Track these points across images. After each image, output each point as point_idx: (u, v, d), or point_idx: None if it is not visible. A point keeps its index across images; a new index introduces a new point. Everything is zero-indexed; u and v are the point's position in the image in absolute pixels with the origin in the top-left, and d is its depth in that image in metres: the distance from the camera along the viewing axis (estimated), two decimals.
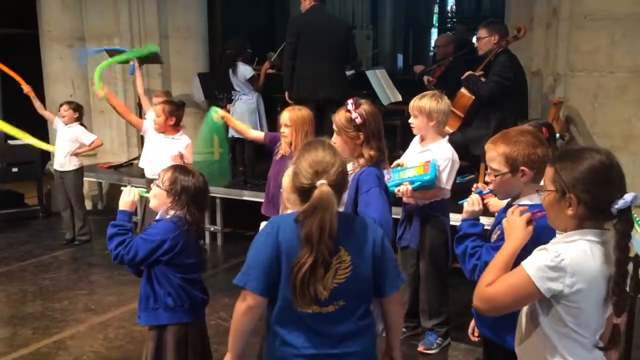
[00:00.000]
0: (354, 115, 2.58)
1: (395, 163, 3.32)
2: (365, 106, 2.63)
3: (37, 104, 5.73)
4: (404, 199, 3.33)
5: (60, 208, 5.78)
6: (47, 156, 6.47)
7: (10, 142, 6.87)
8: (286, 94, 5.26)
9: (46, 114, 5.82)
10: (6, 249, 5.60)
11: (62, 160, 5.52)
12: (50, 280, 4.81)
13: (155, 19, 6.78)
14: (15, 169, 6.56)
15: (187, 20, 6.79)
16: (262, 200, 4.55)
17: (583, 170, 1.56)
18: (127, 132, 7.01)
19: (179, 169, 2.51)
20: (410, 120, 3.32)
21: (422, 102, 3.23)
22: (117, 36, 6.81)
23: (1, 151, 6.44)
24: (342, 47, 5.12)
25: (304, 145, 1.88)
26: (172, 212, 2.41)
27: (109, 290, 4.55)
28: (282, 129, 3.37)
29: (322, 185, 1.71)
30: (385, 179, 2.78)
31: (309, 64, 5.04)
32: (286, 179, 2.09)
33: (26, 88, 5.61)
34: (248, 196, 5.37)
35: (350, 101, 2.63)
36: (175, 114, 4.49)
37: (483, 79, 4.30)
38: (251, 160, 5.76)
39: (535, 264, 1.54)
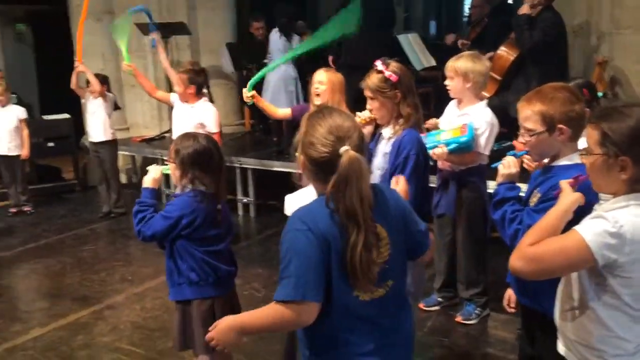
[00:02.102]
0: (387, 73, 2.51)
1: (428, 122, 3.21)
2: (394, 64, 2.57)
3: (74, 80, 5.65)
4: (439, 165, 3.22)
5: (97, 182, 5.85)
6: (82, 130, 6.54)
7: (46, 117, 6.98)
8: (330, 58, 5.14)
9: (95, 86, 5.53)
10: (45, 223, 5.72)
11: (96, 132, 5.56)
12: (88, 252, 4.89)
13: None
14: (51, 144, 6.65)
15: None
16: (297, 170, 4.52)
17: (636, 128, 1.44)
18: (158, 106, 7.01)
19: (182, 137, 2.44)
20: (446, 82, 3.19)
21: (459, 63, 3.10)
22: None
23: (37, 126, 6.53)
24: (387, 12, 4.98)
25: (312, 113, 1.64)
26: (189, 186, 2.36)
27: (144, 262, 4.60)
28: (316, 86, 3.24)
29: (348, 151, 1.49)
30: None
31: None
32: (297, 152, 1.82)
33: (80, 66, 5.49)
34: (279, 167, 5.32)
35: (378, 62, 2.56)
36: (195, 82, 4.38)
37: None
38: (285, 130, 5.69)
39: (594, 230, 1.44)
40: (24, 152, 5.85)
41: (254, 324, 1.61)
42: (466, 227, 3.29)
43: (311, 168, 1.57)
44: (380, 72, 2.53)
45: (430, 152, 2.99)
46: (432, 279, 3.63)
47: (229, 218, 2.53)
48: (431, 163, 2.90)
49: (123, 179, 6.73)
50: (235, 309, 2.51)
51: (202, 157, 2.32)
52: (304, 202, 1.73)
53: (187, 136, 2.42)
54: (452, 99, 3.31)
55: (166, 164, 2.44)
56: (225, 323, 1.60)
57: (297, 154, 1.64)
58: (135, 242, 5.13)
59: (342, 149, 1.50)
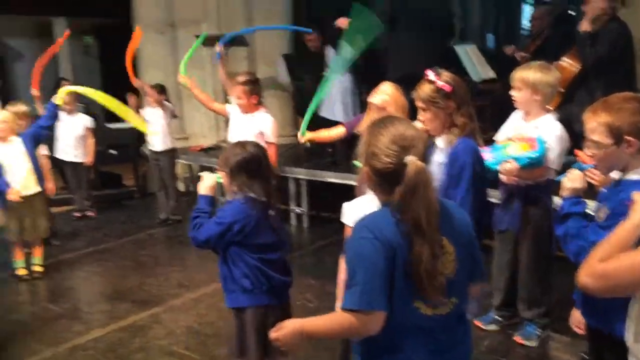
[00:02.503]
0: (440, 83, 2.46)
1: (499, 139, 3.13)
2: (446, 73, 2.52)
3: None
4: (504, 179, 3.13)
5: (155, 189, 6.04)
6: (143, 139, 6.76)
7: (109, 125, 7.26)
8: None
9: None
10: (106, 227, 5.94)
11: (156, 141, 5.74)
12: (147, 257, 5.04)
13: (240, 3, 6.88)
14: (113, 152, 6.92)
15: (271, 3, 6.83)
16: (350, 182, 4.51)
17: None
18: (215, 116, 7.16)
19: (232, 145, 2.49)
20: (512, 93, 3.09)
21: (527, 73, 2.99)
22: (205, 21, 6.97)
23: (101, 135, 6.79)
24: (441, 23, 4.95)
25: (374, 122, 1.61)
26: (240, 193, 2.39)
27: (200, 268, 4.69)
28: (378, 93, 3.23)
29: (415, 162, 1.47)
30: (484, 157, 2.64)
31: (408, 41, 4.90)
32: (360, 163, 1.80)
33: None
34: (333, 178, 5.34)
35: (429, 72, 2.52)
36: (256, 92, 4.46)
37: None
38: (339, 141, 5.70)
39: None
40: (89, 159, 6.10)
41: (320, 330, 1.61)
42: (531, 243, 3.17)
43: (375, 179, 1.56)
44: (432, 82, 2.49)
45: (499, 167, 2.92)
46: (489, 295, 3.54)
47: (283, 229, 2.55)
48: (490, 175, 2.83)
49: (181, 187, 6.92)
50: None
51: (249, 164, 2.36)
52: (363, 210, 1.74)
53: (236, 144, 2.48)
54: (512, 111, 3.23)
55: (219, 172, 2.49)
56: (291, 326, 1.60)
57: (359, 164, 1.63)
58: (191, 248, 5.19)
59: (407, 159, 1.48)
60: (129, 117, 4.55)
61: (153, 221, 6.01)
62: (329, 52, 5.97)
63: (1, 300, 4.17)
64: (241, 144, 2.45)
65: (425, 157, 1.54)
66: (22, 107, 4.76)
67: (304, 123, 3.57)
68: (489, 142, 3.17)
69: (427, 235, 1.47)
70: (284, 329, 1.59)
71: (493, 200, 3.26)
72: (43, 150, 4.99)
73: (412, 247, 1.47)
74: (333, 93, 5.73)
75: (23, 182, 4.33)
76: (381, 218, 1.52)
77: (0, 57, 9.28)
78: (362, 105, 5.81)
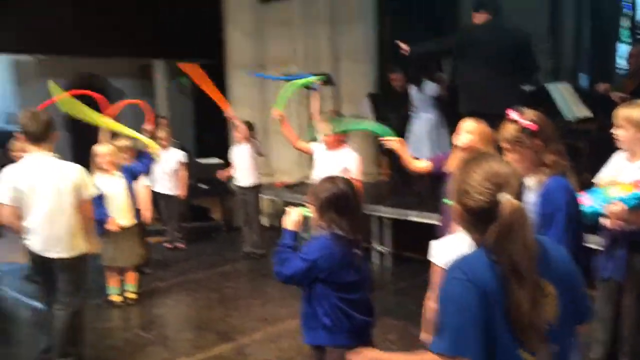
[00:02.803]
0: (524, 122, 2.39)
1: (599, 182, 2.97)
2: (530, 111, 2.44)
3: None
4: (608, 224, 2.94)
5: (241, 223, 6.21)
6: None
7: (200, 160, 7.60)
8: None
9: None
10: (194, 259, 6.16)
11: (242, 176, 5.94)
12: (231, 289, 5.17)
13: (327, 44, 7.08)
14: (203, 186, 7.21)
15: (357, 44, 6.98)
16: (434, 221, 4.44)
17: None
18: (300, 153, 7.34)
19: (323, 180, 2.49)
20: (615, 132, 2.94)
21: (632, 111, 2.83)
22: (293, 61, 7.21)
23: (192, 169, 7.12)
24: (518, 59, 4.81)
25: (467, 159, 1.58)
26: (327, 229, 2.39)
27: (282, 303, 4.74)
28: (461, 134, 3.21)
29: (509, 200, 1.41)
30: (580, 201, 2.51)
31: (478, 76, 4.80)
32: (451, 201, 1.77)
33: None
34: (417, 217, 5.27)
35: (512, 111, 2.45)
36: None
37: None
38: (427, 180, 5.65)
39: None
40: (181, 192, 6.40)
41: None
42: (637, 294, 2.96)
43: (467, 217, 1.51)
44: (515, 121, 2.42)
45: (604, 209, 2.76)
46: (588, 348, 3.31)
47: (367, 268, 2.53)
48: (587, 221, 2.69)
49: (265, 221, 7.07)
50: None
51: (339, 200, 2.36)
52: (452, 249, 1.73)
53: (326, 180, 2.49)
54: (609, 152, 3.07)
55: (307, 207, 2.52)
56: (370, 355, 1.57)
57: (449, 202, 1.59)
58: (273, 282, 5.28)
59: (501, 197, 1.43)
60: (133, 134, 4.73)
61: (238, 254, 6.17)
62: (413, 91, 6.00)
63: (95, 325, 4.39)
64: (331, 179, 2.46)
65: (520, 195, 1.48)
66: (124, 142, 5.11)
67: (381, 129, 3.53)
68: (586, 184, 3.03)
69: (525, 279, 1.39)
70: (364, 354, 1.56)
71: (592, 246, 3.09)
72: (145, 181, 5.30)
73: (509, 292, 1.40)
74: (420, 131, 5.71)
75: (121, 212, 4.61)
76: (476, 259, 1.46)
77: (106, 95, 10.04)
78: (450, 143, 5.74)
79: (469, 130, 3.20)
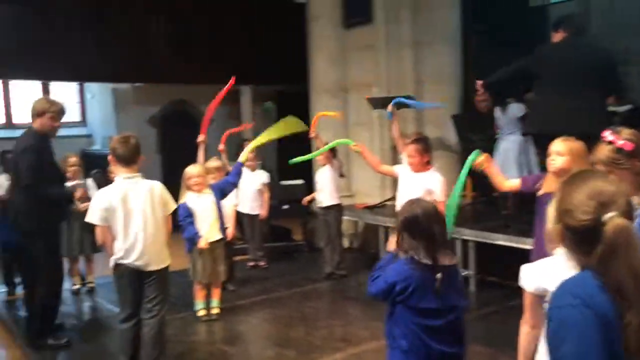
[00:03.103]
0: (620, 142, 2.29)
1: None
2: (626, 130, 2.35)
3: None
4: None
5: (322, 243, 6.25)
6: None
7: (282, 182, 7.76)
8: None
9: None
10: (276, 278, 6.25)
11: (324, 197, 6.00)
12: (311, 309, 5.19)
13: (410, 67, 7.08)
14: (285, 207, 7.35)
15: (441, 66, 6.93)
16: (522, 245, 4.28)
17: None
18: (381, 175, 7.33)
19: (405, 203, 2.47)
20: None
21: None
22: (376, 85, 7.26)
23: (275, 190, 7.29)
24: (603, 79, 4.58)
25: (568, 178, 1.54)
26: (405, 252, 2.36)
27: (363, 324, 4.71)
28: (553, 158, 3.10)
29: (614, 218, 1.36)
30: None
31: (555, 97, 4.61)
32: (551, 221, 1.69)
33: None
34: (503, 240, 5.09)
35: (607, 132, 2.37)
36: (429, 151, 4.57)
37: None
38: (512, 202, 5.48)
39: None
40: (263, 213, 6.55)
41: None
42: None
43: (571, 238, 1.46)
44: (610, 142, 2.32)
45: None
46: None
47: (455, 295, 2.38)
48: None
49: (345, 243, 7.08)
50: None
51: (414, 224, 2.32)
52: (544, 273, 1.70)
53: (408, 202, 2.47)
54: None
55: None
56: None
57: (550, 225, 1.53)
58: (353, 303, 5.32)
59: (607, 216, 1.37)
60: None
61: (319, 275, 6.20)
62: (498, 113, 5.86)
63: (183, 338, 4.55)
64: (412, 202, 2.43)
65: (629, 215, 1.40)
66: (215, 163, 5.33)
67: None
68: None
69: (632, 303, 1.31)
70: None
71: None
72: (233, 199, 5.49)
73: (619, 316, 1.32)
74: (507, 152, 5.55)
75: (210, 229, 4.78)
76: (584, 282, 1.39)
77: (196, 121, 10.54)
78: (539, 165, 5.53)
79: (559, 152, 3.09)
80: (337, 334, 4.53)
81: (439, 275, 2.31)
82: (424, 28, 7.00)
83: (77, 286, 6.02)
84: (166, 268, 3.71)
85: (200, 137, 5.59)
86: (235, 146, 6.87)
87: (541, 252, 3.07)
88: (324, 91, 7.64)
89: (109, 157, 3.67)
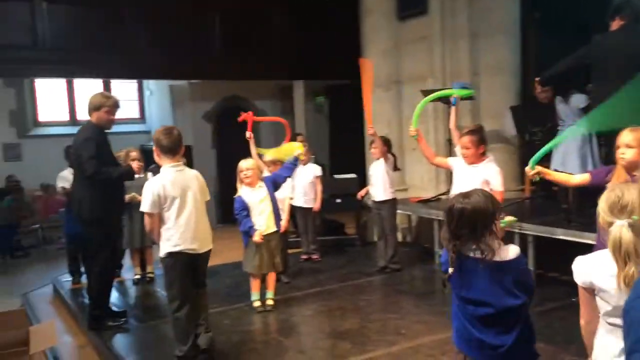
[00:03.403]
0: None
1: None
2: None
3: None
4: None
5: (376, 237, 6.22)
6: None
7: (336, 176, 7.77)
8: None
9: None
10: (329, 271, 6.27)
11: (378, 191, 5.96)
12: (365, 302, 5.17)
13: (467, 58, 6.93)
14: (338, 200, 7.35)
15: (498, 57, 6.75)
16: (584, 240, 4.13)
17: None
18: (436, 169, 7.22)
19: (458, 194, 2.41)
20: None
21: None
22: (430, 77, 7.15)
23: (327, 184, 7.30)
24: None
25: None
26: (448, 241, 2.34)
27: (418, 318, 4.66)
28: (622, 151, 2.97)
29: (618, 227, 1.55)
30: None
31: (616, 86, 4.39)
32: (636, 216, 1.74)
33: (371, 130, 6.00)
34: (563, 235, 4.92)
35: None
36: (485, 142, 4.50)
37: None
38: (572, 196, 5.28)
39: None
40: (316, 206, 6.57)
41: None
42: None
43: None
44: None
45: None
46: None
47: (495, 290, 2.25)
48: None
49: (399, 237, 7.02)
50: None
51: (454, 215, 2.28)
52: (592, 266, 1.76)
53: (458, 194, 2.41)
54: None
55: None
56: None
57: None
58: (407, 297, 5.27)
59: (618, 223, 1.48)
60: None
61: (372, 268, 6.17)
62: (559, 103, 5.65)
63: (239, 329, 4.63)
64: (463, 194, 2.35)
65: None
66: (269, 157, 5.40)
67: (535, 158, 3.35)
68: None
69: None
70: None
71: None
72: (288, 192, 5.55)
73: None
74: (568, 144, 5.35)
75: (265, 222, 4.83)
76: None
77: None
78: (608, 157, 5.31)
79: (628, 143, 2.96)
80: (391, 327, 4.50)
81: (451, 270, 2.28)
82: (481, 18, 6.84)
83: (138, 276, 6.24)
84: (209, 251, 3.99)
85: (248, 134, 5.74)
86: (292, 138, 6.92)
87: (603, 247, 2.97)
88: (376, 85, 7.56)
89: (154, 149, 3.83)
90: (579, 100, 5.44)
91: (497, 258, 2.23)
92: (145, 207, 3.74)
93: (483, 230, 2.22)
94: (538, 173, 3.33)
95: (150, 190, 3.72)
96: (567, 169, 5.29)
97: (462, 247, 2.26)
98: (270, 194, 4.87)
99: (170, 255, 3.77)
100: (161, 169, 3.85)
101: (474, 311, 2.26)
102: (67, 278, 6.41)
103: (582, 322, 2.05)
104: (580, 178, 3.43)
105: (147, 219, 3.80)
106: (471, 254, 2.24)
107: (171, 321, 3.92)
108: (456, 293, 2.32)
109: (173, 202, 3.73)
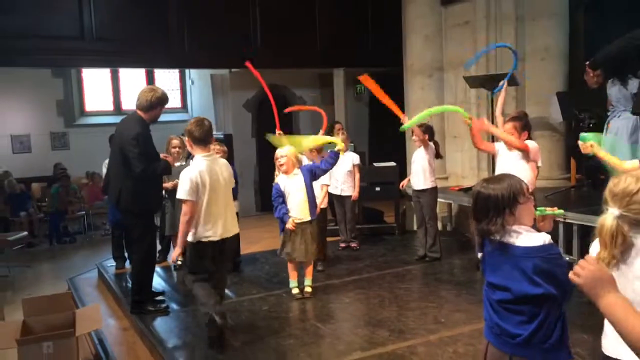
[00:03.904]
0: None
1: None
2: None
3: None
4: None
5: (416, 226, 6.15)
6: (404, 177, 7.02)
7: (375, 164, 7.71)
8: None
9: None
10: (367, 259, 6.24)
11: (418, 180, 5.88)
12: (404, 291, 5.12)
13: (512, 43, 6.71)
14: (377, 189, 7.29)
15: (546, 41, 6.53)
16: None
17: None
18: (477, 156, 7.08)
19: (490, 180, 2.32)
20: None
21: None
22: (474, 63, 6.98)
23: (367, 172, 7.25)
24: None
25: None
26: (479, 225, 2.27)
27: (457, 307, 4.59)
28: None
29: (607, 214, 1.59)
30: None
31: None
32: None
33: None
34: None
35: None
36: (528, 128, 4.48)
37: None
38: None
39: None
40: (354, 194, 6.52)
41: (619, 319, 1.51)
42: None
43: None
44: None
45: None
46: None
47: (516, 277, 2.16)
48: None
49: (439, 225, 6.92)
50: None
51: (488, 202, 2.20)
52: None
53: (491, 179, 2.34)
54: None
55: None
56: (597, 272, 1.54)
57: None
58: (447, 286, 5.19)
59: (609, 210, 1.45)
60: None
61: (411, 257, 6.12)
62: (612, 88, 5.42)
63: (278, 315, 4.65)
64: (496, 179, 2.29)
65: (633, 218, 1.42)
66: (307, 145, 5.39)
67: (586, 135, 3.24)
68: None
69: None
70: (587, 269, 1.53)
71: None
72: (325, 180, 5.49)
73: None
74: (620, 131, 5.14)
75: (299, 210, 4.83)
76: None
77: (290, 104, 10.72)
78: None
79: None
80: (430, 316, 4.45)
81: (479, 254, 2.32)
82: (527, 1, 6.62)
83: (180, 262, 6.33)
84: (236, 235, 4.29)
85: (277, 132, 5.61)
86: (329, 127, 6.88)
87: None
88: (417, 72, 7.46)
89: (186, 140, 4.02)
90: (632, 85, 5.21)
91: (520, 243, 2.16)
92: (182, 194, 3.84)
93: (497, 214, 2.17)
94: (592, 146, 3.21)
95: (188, 178, 3.84)
96: (617, 155, 5.09)
97: (485, 230, 2.21)
98: (306, 183, 4.85)
99: (200, 243, 3.94)
100: (194, 158, 4.00)
101: (494, 295, 2.24)
102: (111, 263, 6.58)
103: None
104: (631, 164, 3.28)
105: (185, 207, 3.88)
106: (494, 238, 2.19)
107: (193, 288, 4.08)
108: (485, 277, 2.30)
109: (207, 189, 3.90)
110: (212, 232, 3.95)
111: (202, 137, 3.95)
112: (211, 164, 3.98)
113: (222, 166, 4.10)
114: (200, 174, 3.88)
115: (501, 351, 2.22)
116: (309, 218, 4.86)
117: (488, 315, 2.27)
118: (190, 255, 4.07)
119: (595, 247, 1.94)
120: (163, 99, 4.71)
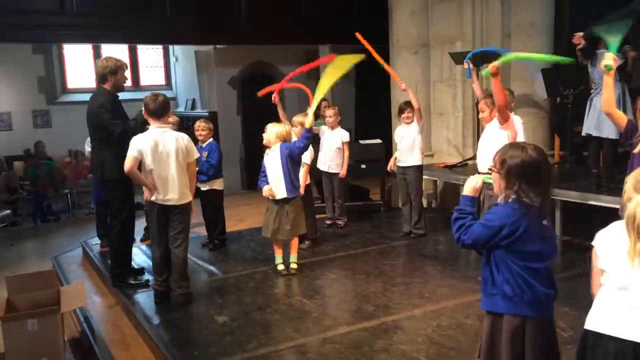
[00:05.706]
0: None
1: None
2: None
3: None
4: None
5: (401, 203, 6.17)
6: (390, 155, 7.02)
7: (361, 141, 7.69)
8: None
9: None
10: (353, 235, 6.27)
11: (405, 156, 5.88)
12: (389, 267, 5.16)
13: (498, 19, 6.73)
14: (363, 166, 7.28)
15: (532, 17, 6.52)
16: (613, 205, 4.04)
17: None
18: (463, 134, 7.11)
19: (510, 146, 2.36)
20: None
21: None
22: (459, 39, 6.97)
23: (353, 150, 7.20)
24: None
25: None
26: (512, 196, 2.25)
27: (441, 282, 4.64)
28: None
29: (635, 203, 1.61)
30: None
31: None
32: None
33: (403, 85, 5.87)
34: (594, 200, 4.81)
35: None
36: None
37: None
38: (605, 161, 5.14)
39: None
40: (342, 172, 6.50)
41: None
42: None
43: None
44: None
45: None
46: None
47: (553, 238, 2.36)
48: None
49: (424, 202, 6.96)
50: (550, 337, 2.31)
51: (529, 169, 2.21)
52: (618, 237, 1.73)
53: (515, 146, 2.34)
54: None
55: (489, 173, 2.38)
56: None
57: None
58: (431, 262, 5.25)
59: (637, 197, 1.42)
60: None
61: (396, 234, 6.15)
62: (591, 68, 5.45)
63: (263, 291, 4.67)
64: (521, 146, 2.31)
65: None
66: (300, 117, 5.44)
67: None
68: None
69: None
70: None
71: None
72: (305, 158, 5.46)
73: None
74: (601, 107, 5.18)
75: (275, 186, 4.86)
76: None
77: (275, 81, 10.64)
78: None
79: None
80: (414, 291, 4.49)
81: (545, 221, 2.27)
82: None
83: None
84: (188, 204, 4.38)
85: (274, 99, 5.72)
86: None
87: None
88: (403, 47, 7.42)
89: (143, 112, 4.37)
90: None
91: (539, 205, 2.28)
92: (131, 152, 4.22)
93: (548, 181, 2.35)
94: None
95: (134, 144, 4.23)
96: (603, 133, 5.15)
97: (531, 198, 2.28)
98: (282, 161, 4.83)
99: (149, 203, 4.34)
100: (149, 128, 4.34)
101: (537, 265, 2.31)
102: (96, 241, 6.54)
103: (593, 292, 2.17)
104: (621, 115, 3.35)
105: (127, 160, 4.20)
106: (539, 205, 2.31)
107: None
108: (518, 250, 2.30)
109: (151, 157, 4.22)
110: (159, 196, 4.28)
111: (155, 109, 4.28)
112: (161, 135, 4.28)
113: (172, 139, 4.30)
114: (145, 141, 4.24)
115: (546, 319, 2.31)
116: (284, 196, 4.85)
117: (528, 289, 2.24)
118: (145, 213, 4.58)
119: (606, 237, 1.98)
120: (119, 64, 4.83)
